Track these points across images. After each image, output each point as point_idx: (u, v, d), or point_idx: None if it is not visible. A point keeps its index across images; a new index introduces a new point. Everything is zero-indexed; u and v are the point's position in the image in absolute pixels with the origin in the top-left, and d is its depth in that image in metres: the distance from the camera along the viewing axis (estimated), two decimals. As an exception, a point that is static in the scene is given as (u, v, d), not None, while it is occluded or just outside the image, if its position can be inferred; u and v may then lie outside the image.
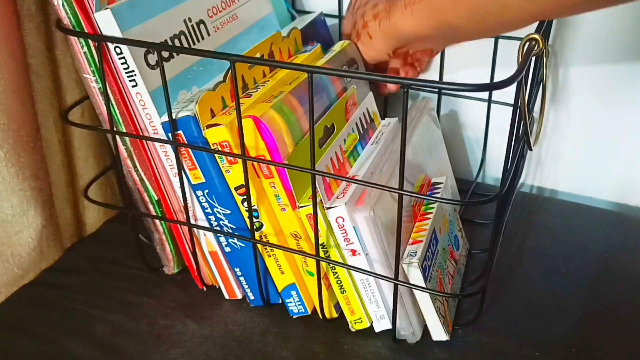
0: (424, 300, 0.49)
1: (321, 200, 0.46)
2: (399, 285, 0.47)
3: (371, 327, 0.52)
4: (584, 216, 0.68)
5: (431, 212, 0.54)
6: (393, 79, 0.37)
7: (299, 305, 0.54)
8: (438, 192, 0.56)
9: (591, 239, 0.64)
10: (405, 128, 0.39)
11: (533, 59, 0.51)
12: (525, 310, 0.55)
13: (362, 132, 0.54)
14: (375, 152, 0.52)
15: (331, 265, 0.50)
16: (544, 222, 0.67)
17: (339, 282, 0.50)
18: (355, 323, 0.52)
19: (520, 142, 0.52)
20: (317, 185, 0.45)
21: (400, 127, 0.55)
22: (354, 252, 0.48)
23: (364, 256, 0.48)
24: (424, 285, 0.48)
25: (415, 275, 0.48)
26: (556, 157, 0.73)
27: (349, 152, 0.51)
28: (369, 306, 0.51)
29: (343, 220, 0.46)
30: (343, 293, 0.51)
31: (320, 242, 0.48)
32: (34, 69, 0.56)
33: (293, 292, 0.53)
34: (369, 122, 0.56)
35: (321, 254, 0.48)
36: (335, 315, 0.54)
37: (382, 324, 0.51)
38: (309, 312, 0.54)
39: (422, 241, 0.50)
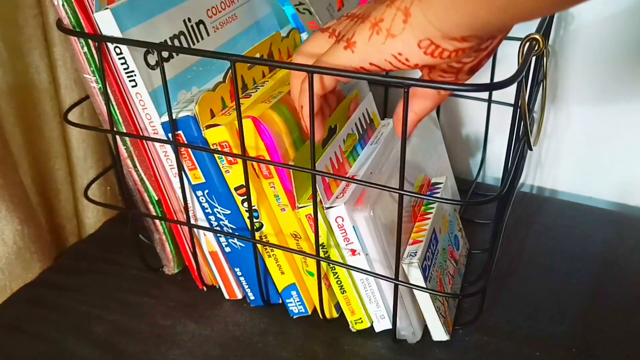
0: (424, 300, 0.49)
1: (321, 200, 0.46)
2: (399, 285, 0.47)
3: (371, 327, 0.52)
4: (584, 216, 0.68)
5: (431, 212, 0.54)
6: (393, 79, 0.36)
7: (299, 305, 0.54)
8: (438, 192, 0.56)
9: (591, 239, 0.64)
10: (405, 128, 0.39)
11: (533, 59, 0.51)
12: (525, 310, 0.55)
13: (361, 132, 0.54)
14: (374, 152, 0.52)
15: (331, 265, 0.50)
16: (544, 222, 0.67)
17: (339, 282, 0.50)
18: (355, 323, 0.52)
19: (521, 142, 0.52)
20: (316, 186, 0.45)
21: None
22: (353, 252, 0.48)
23: (363, 256, 0.48)
24: (424, 285, 0.48)
25: (415, 275, 0.48)
26: (556, 157, 0.73)
27: (348, 153, 0.51)
28: (369, 306, 0.51)
29: (343, 220, 0.46)
30: (343, 293, 0.51)
31: (320, 242, 0.47)
32: (35, 69, 0.56)
33: (293, 292, 0.53)
34: (368, 122, 0.56)
35: (321, 254, 0.48)
36: (335, 315, 0.54)
37: (382, 324, 0.51)
38: (309, 312, 0.54)
39: (422, 241, 0.50)
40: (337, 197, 0.47)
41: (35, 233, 0.60)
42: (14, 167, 0.57)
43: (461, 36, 0.34)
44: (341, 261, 0.49)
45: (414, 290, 0.49)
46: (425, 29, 0.34)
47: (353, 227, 0.47)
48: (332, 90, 0.42)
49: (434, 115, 0.63)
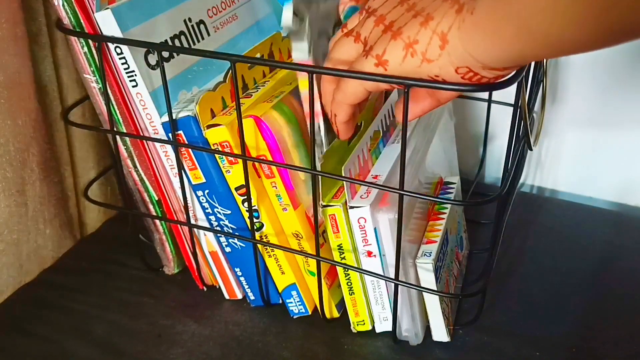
0: (432, 302, 0.49)
1: (346, 200, 0.46)
2: (411, 289, 0.47)
3: (372, 327, 0.52)
4: (584, 216, 0.68)
5: (445, 212, 0.53)
6: (394, 78, 0.36)
7: (299, 305, 0.54)
8: (451, 192, 0.56)
9: (591, 239, 0.64)
10: (405, 128, 0.39)
11: (533, 59, 0.51)
12: (525, 310, 0.55)
13: (385, 129, 0.53)
14: (397, 152, 0.51)
15: (333, 264, 0.50)
16: (544, 222, 0.67)
17: (349, 283, 0.50)
18: (357, 325, 0.52)
19: (521, 142, 0.52)
20: (317, 185, 0.45)
21: (420, 125, 0.54)
22: (369, 253, 0.47)
23: (379, 258, 0.47)
24: (434, 287, 0.47)
25: (426, 277, 0.47)
26: (556, 157, 0.73)
27: (372, 150, 0.51)
28: (374, 307, 0.50)
29: (365, 222, 0.46)
30: (351, 295, 0.50)
31: (337, 244, 0.47)
32: (36, 69, 0.56)
33: (293, 292, 0.53)
34: (391, 118, 0.55)
35: (337, 256, 0.48)
36: (336, 315, 0.54)
37: (384, 326, 0.51)
38: (310, 312, 0.54)
39: (436, 241, 0.50)
40: (361, 197, 0.46)
41: (55, 233, 0.61)
42: (33, 184, 0.58)
43: (503, 67, 0.33)
44: (346, 261, 0.49)
45: (422, 291, 0.49)
46: (464, 59, 0.33)
47: (374, 228, 0.46)
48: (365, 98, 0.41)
49: (450, 106, 0.62)
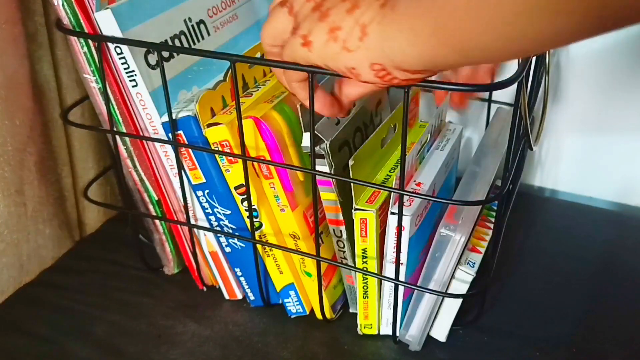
0: (452, 306, 0.49)
1: (383, 204, 0.45)
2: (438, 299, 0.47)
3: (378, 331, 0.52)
4: (584, 216, 0.68)
5: (492, 220, 0.53)
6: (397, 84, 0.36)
7: (297, 305, 0.53)
8: None
9: (591, 239, 0.64)
10: (406, 128, 0.39)
11: (534, 58, 0.51)
12: (525, 310, 0.55)
13: (432, 133, 0.53)
14: (441, 159, 0.51)
15: (332, 264, 0.50)
16: (544, 222, 0.67)
17: (365, 286, 0.49)
18: (364, 327, 0.52)
19: (521, 142, 0.52)
20: (316, 185, 0.45)
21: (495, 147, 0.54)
22: (395, 260, 0.46)
23: (405, 266, 0.46)
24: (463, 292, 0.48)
25: (460, 287, 0.47)
26: (556, 157, 0.72)
27: (418, 154, 0.50)
28: (384, 311, 0.50)
29: (403, 230, 0.45)
30: (365, 298, 0.50)
31: (362, 248, 0.47)
32: (32, 68, 0.56)
33: (291, 292, 0.53)
34: (439, 122, 0.54)
35: (360, 262, 0.48)
36: (332, 315, 0.54)
37: (389, 329, 0.51)
38: (307, 312, 0.54)
39: (481, 252, 0.50)
40: (403, 205, 0.45)
41: (54, 233, 0.61)
42: (32, 184, 0.57)
43: (414, 70, 0.33)
44: (349, 263, 0.49)
45: (423, 291, 0.49)
46: (379, 56, 0.33)
47: (410, 237, 0.45)
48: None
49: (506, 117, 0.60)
